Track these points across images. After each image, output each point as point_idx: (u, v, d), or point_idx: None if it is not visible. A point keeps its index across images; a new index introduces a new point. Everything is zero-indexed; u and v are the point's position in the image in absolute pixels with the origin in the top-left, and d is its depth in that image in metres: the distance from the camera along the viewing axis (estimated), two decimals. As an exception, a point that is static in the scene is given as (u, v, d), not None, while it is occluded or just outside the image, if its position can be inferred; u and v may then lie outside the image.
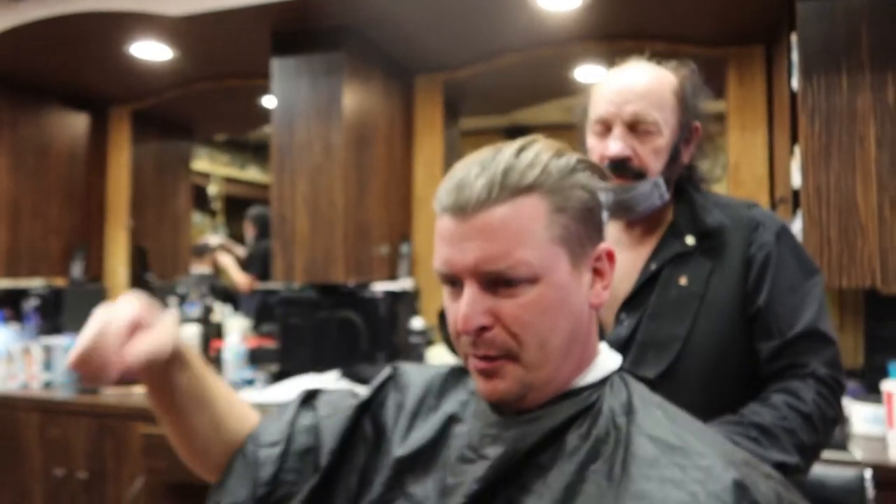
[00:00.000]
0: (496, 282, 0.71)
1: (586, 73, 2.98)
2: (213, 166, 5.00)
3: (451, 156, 3.13)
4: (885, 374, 1.93)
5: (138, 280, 3.63)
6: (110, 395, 2.56)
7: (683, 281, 1.13)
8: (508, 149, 0.74)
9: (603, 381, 0.77)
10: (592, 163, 0.78)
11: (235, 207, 4.95)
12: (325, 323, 2.61)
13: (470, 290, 0.72)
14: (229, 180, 5.18)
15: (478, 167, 0.73)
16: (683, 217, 1.18)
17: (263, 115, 3.44)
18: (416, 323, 2.56)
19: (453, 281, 0.74)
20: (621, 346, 1.10)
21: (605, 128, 1.16)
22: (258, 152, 5.28)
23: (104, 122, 3.59)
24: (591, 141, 1.18)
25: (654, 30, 2.61)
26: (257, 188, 5.20)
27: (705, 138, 1.24)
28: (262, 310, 3.68)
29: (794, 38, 2.13)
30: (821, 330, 1.11)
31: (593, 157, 1.15)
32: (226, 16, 2.42)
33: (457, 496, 0.75)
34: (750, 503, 0.64)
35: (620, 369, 0.81)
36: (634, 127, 1.14)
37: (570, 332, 0.74)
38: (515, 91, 3.27)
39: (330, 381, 2.49)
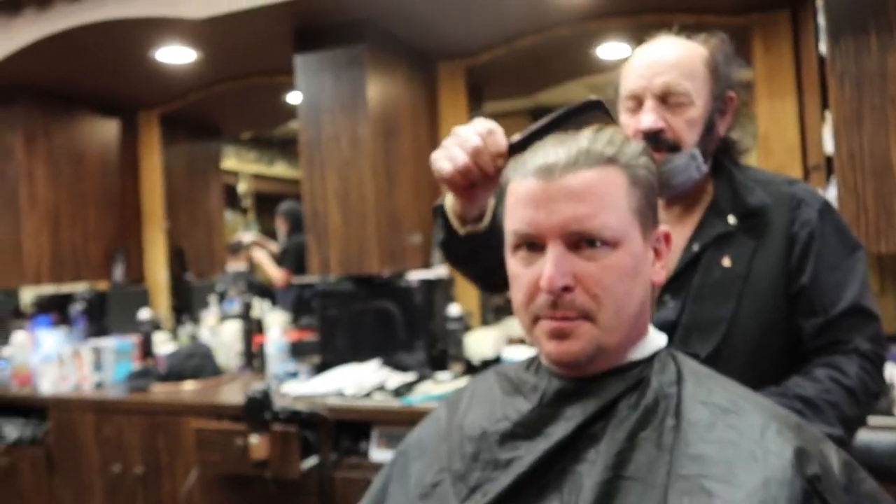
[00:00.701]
0: (579, 243, 0.75)
1: (609, 50, 2.95)
2: (240, 164, 5.06)
3: (477, 141, 3.13)
4: (927, 337, 1.91)
5: (178, 280, 3.72)
6: (160, 392, 2.65)
7: (727, 262, 1.13)
8: (584, 131, 0.79)
9: (652, 358, 0.80)
10: (651, 150, 0.82)
11: (265, 204, 5.02)
12: (363, 314, 2.65)
13: (555, 251, 0.75)
14: (257, 177, 5.24)
15: (556, 142, 0.78)
16: (724, 195, 1.17)
17: (289, 112, 3.48)
18: (453, 310, 2.59)
19: (531, 244, 0.77)
20: (667, 328, 1.11)
21: (637, 102, 1.14)
22: (285, 147, 5.33)
23: (134, 127, 3.66)
24: (624, 118, 1.16)
25: (677, 2, 2.58)
26: (286, 183, 5.26)
27: (741, 108, 1.22)
28: (299, 303, 3.75)
29: (819, 1, 2.10)
30: (864, 306, 1.11)
31: (629, 131, 1.14)
32: (246, 15, 2.45)
33: (516, 467, 0.77)
34: (808, 462, 0.66)
35: (667, 348, 0.83)
36: (666, 99, 1.12)
37: (640, 302, 0.78)
38: (538, 72, 3.26)
39: (371, 369, 2.53)
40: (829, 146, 2.11)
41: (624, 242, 0.75)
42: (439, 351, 2.59)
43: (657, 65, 1.13)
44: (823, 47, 2.08)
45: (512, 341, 2.78)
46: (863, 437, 1.34)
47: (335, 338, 2.69)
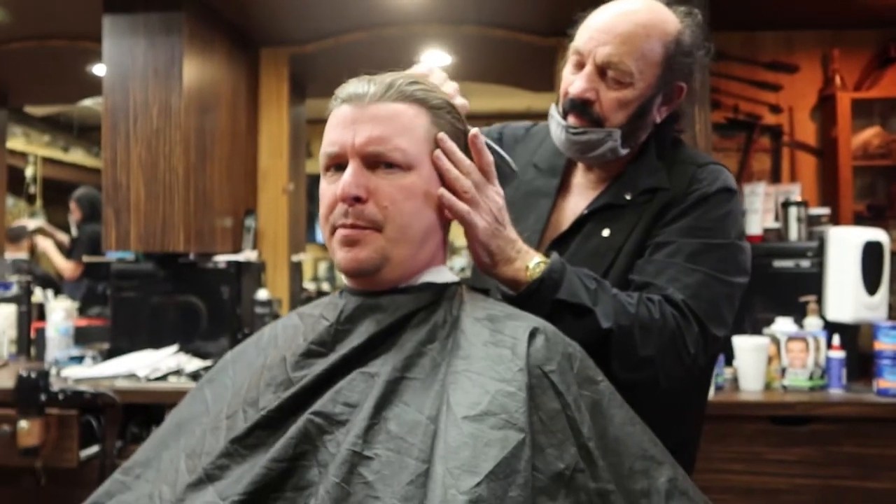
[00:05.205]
0: (376, 163, 0.82)
1: (431, 56, 3.09)
2: (30, 146, 4.57)
3: (297, 132, 3.12)
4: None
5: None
6: None
7: (606, 233, 1.11)
8: (396, 72, 0.88)
9: (445, 285, 0.88)
10: (459, 114, 0.91)
11: (57, 192, 4.55)
12: (162, 297, 2.49)
13: (353, 166, 0.82)
14: (50, 162, 4.76)
15: (368, 78, 0.86)
16: (632, 172, 1.13)
17: (90, 85, 3.21)
18: (262, 294, 2.52)
19: (338, 165, 0.84)
20: None
21: (580, 60, 1.07)
22: (83, 134, 4.90)
23: None
24: (568, 69, 1.10)
25: (494, 18, 2.77)
26: (83, 172, 4.82)
27: (687, 99, 1.14)
28: (90, 297, 3.45)
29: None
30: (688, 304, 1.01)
31: (564, 87, 1.10)
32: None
33: (305, 380, 0.80)
34: (550, 360, 0.77)
35: (461, 283, 0.91)
36: (605, 71, 1.05)
37: (429, 224, 0.86)
38: (361, 71, 3.31)
39: (166, 355, 2.38)
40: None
41: (416, 168, 0.83)
42: (245, 336, 2.50)
43: (610, 33, 1.05)
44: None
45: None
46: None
47: (129, 323, 2.50)
